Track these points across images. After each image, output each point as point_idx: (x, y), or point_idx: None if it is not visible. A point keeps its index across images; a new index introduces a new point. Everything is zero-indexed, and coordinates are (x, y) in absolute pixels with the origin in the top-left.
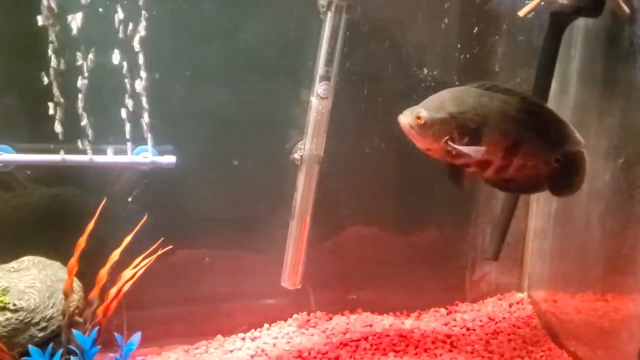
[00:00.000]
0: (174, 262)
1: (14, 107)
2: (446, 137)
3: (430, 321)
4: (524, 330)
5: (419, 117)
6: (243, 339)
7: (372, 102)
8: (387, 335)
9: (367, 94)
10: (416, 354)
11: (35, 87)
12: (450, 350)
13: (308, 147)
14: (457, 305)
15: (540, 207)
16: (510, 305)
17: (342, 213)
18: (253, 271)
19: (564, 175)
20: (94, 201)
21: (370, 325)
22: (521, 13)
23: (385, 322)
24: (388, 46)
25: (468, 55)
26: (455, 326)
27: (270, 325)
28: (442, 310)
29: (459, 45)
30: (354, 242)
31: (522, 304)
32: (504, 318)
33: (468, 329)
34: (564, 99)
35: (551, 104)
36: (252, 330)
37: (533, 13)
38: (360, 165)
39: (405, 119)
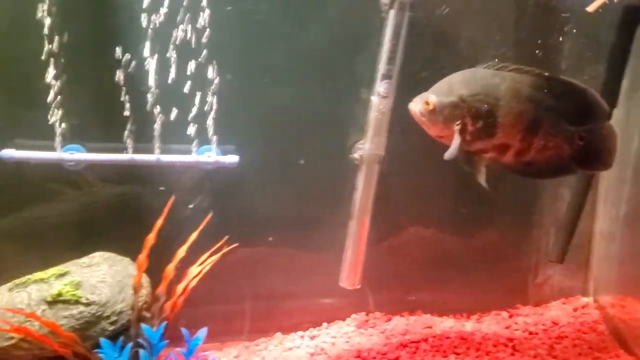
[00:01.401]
0: (234, 261)
1: (85, 107)
2: (458, 122)
3: (492, 324)
4: (589, 335)
5: (427, 103)
6: (302, 337)
7: None
8: (448, 337)
9: None
10: (477, 356)
11: (105, 88)
12: (513, 354)
13: (368, 146)
14: (518, 308)
15: (607, 209)
16: (575, 310)
17: (401, 213)
18: (312, 270)
19: (591, 153)
20: (159, 200)
21: (430, 327)
22: (590, 8)
23: (445, 324)
24: (451, 43)
25: (534, 52)
26: (517, 329)
27: (329, 325)
28: (504, 314)
29: (524, 42)
30: (413, 243)
31: (588, 308)
32: (568, 323)
33: (531, 333)
34: (634, 97)
35: (621, 103)
36: (311, 328)
37: (601, 9)
38: (420, 165)
39: (415, 106)
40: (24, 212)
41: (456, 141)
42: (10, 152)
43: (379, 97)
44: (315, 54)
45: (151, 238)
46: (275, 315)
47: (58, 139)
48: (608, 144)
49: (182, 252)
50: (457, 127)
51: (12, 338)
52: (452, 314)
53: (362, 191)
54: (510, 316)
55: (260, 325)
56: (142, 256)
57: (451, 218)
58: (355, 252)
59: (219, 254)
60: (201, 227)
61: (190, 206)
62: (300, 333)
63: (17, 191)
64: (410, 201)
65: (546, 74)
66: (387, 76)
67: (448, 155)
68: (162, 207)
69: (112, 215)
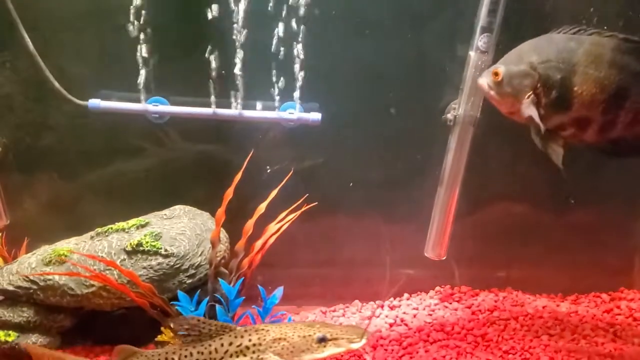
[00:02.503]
0: (313, 225)
1: (170, 61)
2: (529, 94)
3: (590, 307)
4: None
5: (496, 74)
6: (382, 306)
7: None
8: (540, 317)
9: None
10: (573, 339)
11: (191, 42)
12: (614, 340)
13: (463, 106)
14: (622, 292)
15: None
16: None
17: (493, 184)
18: (394, 239)
19: None
20: (238, 158)
21: (521, 305)
22: None
23: (537, 303)
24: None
25: None
26: (619, 314)
27: (410, 296)
28: (604, 296)
29: None
30: (505, 217)
31: None
32: None
33: (635, 319)
34: None
35: None
36: (391, 298)
37: None
38: (517, 131)
39: (483, 79)
40: (109, 165)
41: (533, 112)
42: (96, 102)
43: (478, 52)
44: (406, 5)
45: (230, 192)
46: (354, 283)
47: (143, 91)
48: None
49: (262, 208)
50: (527, 100)
51: (92, 285)
52: (545, 293)
53: (454, 155)
54: (612, 300)
55: (338, 292)
56: (221, 210)
57: (549, 193)
58: (443, 222)
59: (298, 212)
60: (282, 183)
61: (269, 168)
62: (379, 302)
63: (103, 145)
64: (504, 171)
65: (631, 37)
66: (487, 29)
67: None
68: (240, 166)
69: (193, 171)
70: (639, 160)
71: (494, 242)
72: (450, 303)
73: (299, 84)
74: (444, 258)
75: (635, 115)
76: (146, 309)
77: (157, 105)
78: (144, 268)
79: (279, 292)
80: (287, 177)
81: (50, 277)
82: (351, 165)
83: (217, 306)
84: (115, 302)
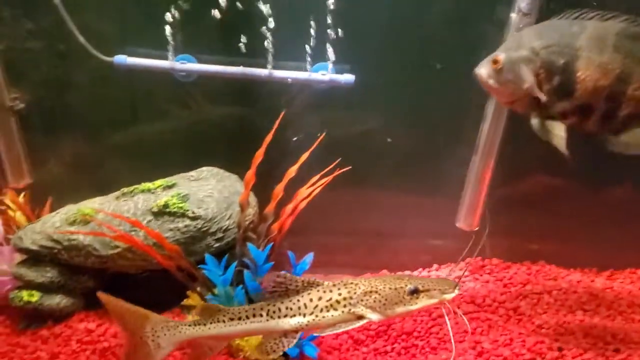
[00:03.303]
0: (342, 194)
1: (198, 19)
2: (531, 80)
3: (626, 283)
4: None
5: (495, 61)
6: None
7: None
8: (575, 292)
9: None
10: (609, 315)
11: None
12: None
13: None
14: None
15: None
16: None
17: (529, 155)
18: (424, 208)
19: None
20: (266, 121)
21: (555, 279)
22: None
23: (572, 278)
24: None
25: None
26: None
27: (440, 267)
28: None
29: None
30: (540, 189)
31: None
32: None
33: None
34: None
35: None
36: (420, 269)
37: None
38: None
39: (482, 69)
40: (134, 124)
41: (540, 94)
42: (122, 58)
43: (520, 14)
44: None
45: (260, 154)
46: (382, 252)
47: (170, 48)
48: None
49: (292, 171)
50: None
51: (117, 247)
52: (579, 267)
53: (491, 123)
54: None
55: (366, 261)
56: (250, 173)
57: (585, 167)
58: (477, 191)
59: (330, 177)
60: (313, 147)
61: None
62: (407, 272)
63: (128, 104)
64: (542, 141)
65: (637, 19)
66: None
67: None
68: (269, 129)
69: (221, 132)
70: None
71: (527, 214)
72: (481, 275)
73: (331, 44)
74: (476, 229)
75: (638, 104)
76: (172, 272)
77: (184, 63)
78: (171, 230)
79: (309, 257)
80: (317, 141)
81: (74, 236)
82: (383, 128)
83: (245, 271)
84: (140, 264)
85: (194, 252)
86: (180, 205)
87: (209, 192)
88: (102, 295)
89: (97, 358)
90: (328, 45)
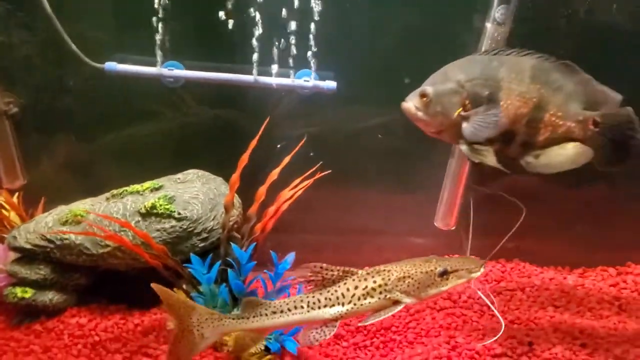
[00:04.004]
0: (325, 193)
1: (185, 26)
2: (459, 111)
3: (597, 280)
4: None
5: (424, 95)
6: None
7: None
8: (547, 289)
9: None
10: (578, 312)
11: (207, 8)
12: (618, 314)
13: None
14: (629, 266)
15: None
16: None
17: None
18: (405, 209)
19: (609, 141)
20: (252, 124)
21: (528, 277)
22: None
23: (545, 275)
24: None
25: None
26: (625, 288)
27: None
28: (611, 270)
29: None
30: (514, 189)
31: None
32: None
33: None
34: None
35: None
36: None
37: None
38: None
39: (409, 102)
40: (124, 128)
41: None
42: (113, 65)
43: (494, 23)
44: None
45: (245, 158)
46: (366, 250)
47: (159, 55)
48: (630, 128)
49: (274, 174)
50: (460, 115)
51: (107, 246)
52: (552, 265)
53: None
54: (619, 274)
55: (351, 259)
56: (235, 176)
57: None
58: (453, 192)
59: (312, 179)
60: (295, 150)
61: (279, 145)
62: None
63: (118, 108)
64: None
65: (546, 55)
66: (504, 1)
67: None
68: (255, 131)
69: (206, 136)
70: None
71: (503, 213)
72: None
73: (313, 51)
74: (453, 228)
75: (554, 128)
76: (159, 270)
77: (172, 70)
78: (158, 230)
79: (290, 257)
80: (299, 144)
81: (66, 236)
82: (365, 133)
83: (229, 270)
84: (129, 262)
85: (180, 252)
86: (167, 206)
87: (195, 194)
88: (157, 287)
89: (89, 351)
90: (310, 53)
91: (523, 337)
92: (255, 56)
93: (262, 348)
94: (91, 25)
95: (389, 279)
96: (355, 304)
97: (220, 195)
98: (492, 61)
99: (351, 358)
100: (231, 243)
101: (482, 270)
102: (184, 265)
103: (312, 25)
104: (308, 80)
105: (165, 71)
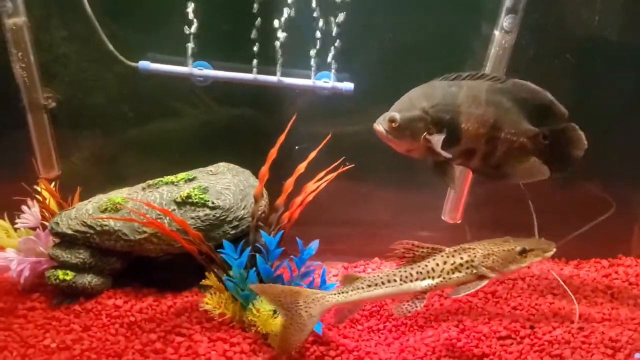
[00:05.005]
0: (341, 187)
1: (215, 28)
2: (424, 134)
3: (591, 271)
4: None
5: (393, 121)
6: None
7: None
8: (546, 279)
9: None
10: (575, 299)
11: (236, 11)
12: (611, 301)
13: None
14: (620, 258)
15: None
16: None
17: None
18: (413, 203)
19: (557, 152)
20: (270, 122)
21: (528, 267)
22: None
23: (543, 266)
24: None
25: None
26: (616, 279)
27: None
28: (604, 262)
29: None
30: (516, 186)
31: None
32: None
33: (631, 283)
34: None
35: None
36: None
37: None
38: None
39: (380, 126)
40: (154, 124)
41: (436, 145)
42: (146, 64)
43: (502, 32)
44: None
45: (274, 152)
46: (375, 242)
47: (189, 55)
48: (574, 142)
49: (301, 167)
50: (425, 138)
51: (144, 232)
52: (550, 257)
53: None
54: (611, 265)
55: (360, 250)
56: (265, 168)
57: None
58: (460, 188)
59: (335, 173)
60: (320, 146)
61: (297, 147)
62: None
63: (149, 105)
64: None
65: (499, 77)
66: (512, 10)
67: (443, 154)
68: (274, 129)
69: (233, 132)
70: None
71: (502, 209)
72: None
73: (333, 54)
74: (459, 222)
75: (510, 144)
76: (194, 255)
77: (201, 69)
78: (192, 218)
79: (314, 244)
80: (323, 142)
81: (106, 222)
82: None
83: (258, 255)
84: (163, 248)
85: (212, 238)
86: (202, 196)
87: (227, 185)
88: (256, 286)
89: (125, 330)
90: (331, 56)
91: (525, 321)
92: (279, 58)
93: None
94: (125, 26)
95: (475, 256)
96: (444, 278)
97: (249, 187)
98: (451, 87)
99: (366, 340)
100: (260, 231)
101: (554, 250)
102: (216, 250)
103: (334, 30)
104: (327, 81)
105: (195, 71)
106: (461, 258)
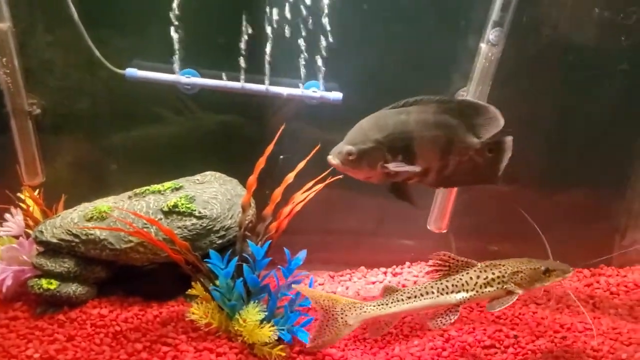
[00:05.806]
0: (325, 197)
1: (202, 37)
2: (380, 163)
3: (573, 281)
4: None
5: (350, 154)
6: (385, 273)
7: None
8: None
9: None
10: (558, 308)
11: (223, 19)
12: (593, 310)
13: (471, 94)
14: (602, 268)
15: None
16: None
17: None
18: (398, 213)
19: (491, 164)
20: (255, 129)
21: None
22: None
23: None
24: None
25: None
26: (598, 288)
27: (412, 264)
28: (586, 272)
29: None
30: (497, 196)
31: None
32: None
33: (612, 293)
34: None
35: None
36: (394, 266)
37: None
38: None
39: (335, 159)
40: (140, 131)
41: (394, 171)
42: (133, 71)
43: (489, 44)
44: None
45: (262, 162)
46: (360, 251)
47: (176, 63)
48: (502, 156)
49: (290, 177)
50: (382, 166)
51: (130, 241)
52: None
53: None
54: (592, 275)
55: (345, 258)
56: (253, 178)
57: (537, 174)
58: (446, 198)
59: (323, 184)
60: (310, 156)
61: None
62: (383, 269)
63: (134, 113)
64: None
65: (444, 98)
66: (498, 24)
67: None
68: (260, 138)
69: (219, 141)
70: (621, 148)
71: (487, 218)
72: None
73: (322, 64)
74: (445, 231)
75: (460, 157)
76: (181, 265)
77: (189, 77)
78: (179, 227)
79: (302, 254)
80: (314, 150)
81: (91, 231)
82: None
83: (245, 265)
84: (149, 257)
85: (199, 248)
86: (188, 205)
87: (214, 194)
88: (301, 288)
89: (110, 340)
90: (319, 65)
91: (509, 330)
92: (267, 67)
93: (275, 338)
94: (111, 33)
95: (506, 272)
96: (477, 292)
97: (236, 196)
98: (400, 114)
99: (352, 349)
100: (247, 240)
101: (571, 271)
102: (203, 260)
103: (322, 42)
104: (316, 91)
105: (183, 78)
106: (493, 273)
